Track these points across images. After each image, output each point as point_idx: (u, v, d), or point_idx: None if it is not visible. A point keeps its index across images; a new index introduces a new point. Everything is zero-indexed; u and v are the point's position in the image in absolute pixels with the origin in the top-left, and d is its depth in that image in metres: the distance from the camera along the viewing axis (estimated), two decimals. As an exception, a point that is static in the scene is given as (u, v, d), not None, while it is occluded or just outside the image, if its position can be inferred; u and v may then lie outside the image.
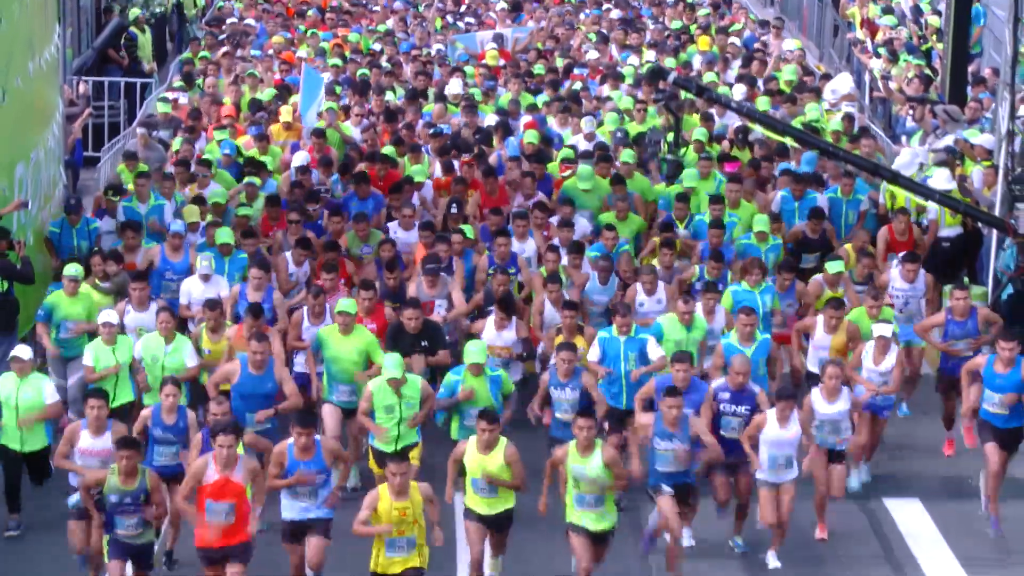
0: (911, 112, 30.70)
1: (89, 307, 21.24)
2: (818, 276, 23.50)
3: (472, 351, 20.03)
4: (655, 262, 24.09)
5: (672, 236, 24.78)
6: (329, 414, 20.91)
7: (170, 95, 31.64)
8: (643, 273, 23.10)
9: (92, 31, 36.22)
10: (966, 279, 23.49)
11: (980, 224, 24.80)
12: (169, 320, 20.14)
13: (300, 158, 27.88)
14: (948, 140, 27.55)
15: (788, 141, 26.86)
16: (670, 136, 29.22)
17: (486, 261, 24.00)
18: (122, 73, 34.38)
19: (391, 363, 19.43)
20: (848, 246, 24.74)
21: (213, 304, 20.66)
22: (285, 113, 30.65)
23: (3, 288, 21.28)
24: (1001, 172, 25.92)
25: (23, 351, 19.12)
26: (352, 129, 30.47)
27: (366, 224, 24.79)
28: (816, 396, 19.72)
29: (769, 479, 19.46)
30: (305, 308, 21.72)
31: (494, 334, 21.87)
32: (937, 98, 30.42)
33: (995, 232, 24.29)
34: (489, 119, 31.17)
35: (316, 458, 17.86)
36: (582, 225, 25.76)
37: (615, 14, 41.86)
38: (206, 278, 22.20)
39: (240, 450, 17.36)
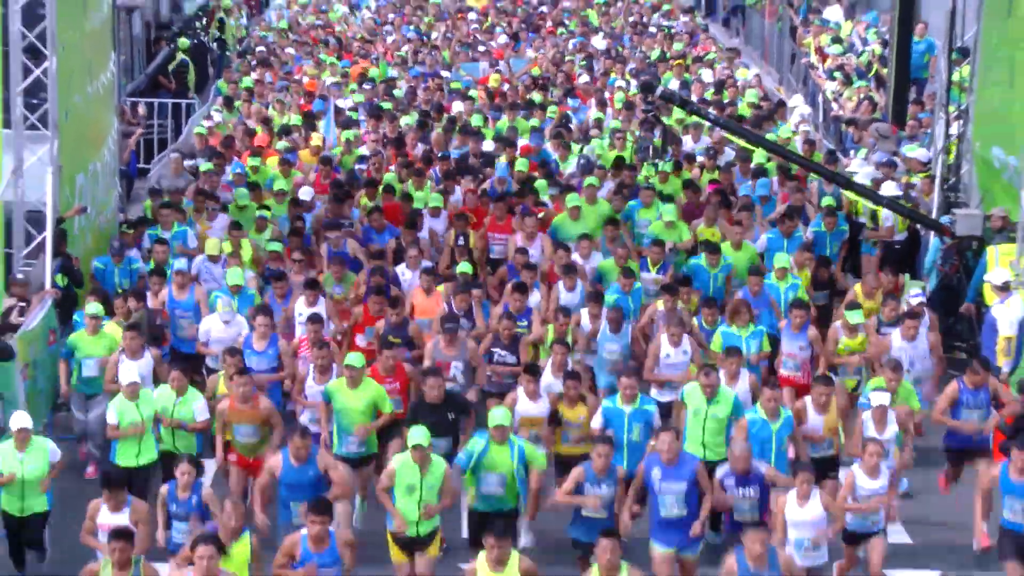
0: (852, 132, 30.67)
1: (110, 345, 18.97)
2: (836, 323, 20.38)
3: (496, 415, 16.73)
4: (659, 305, 20.81)
5: (673, 283, 21.57)
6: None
7: (206, 122, 30.59)
8: (670, 324, 19.69)
9: (143, 59, 36.09)
10: (907, 276, 23.18)
11: (919, 227, 24.50)
12: (180, 377, 17.70)
13: (306, 192, 25.53)
14: (874, 158, 27.49)
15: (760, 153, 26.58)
16: (657, 142, 29.06)
17: (500, 310, 20.81)
18: (170, 96, 34.17)
19: (417, 433, 16.11)
20: (857, 287, 21.87)
21: (233, 351, 18.23)
22: (316, 139, 29.09)
23: (64, 283, 20.93)
24: (938, 181, 25.75)
25: (24, 420, 16.43)
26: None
27: (341, 267, 21.95)
28: (858, 473, 16.60)
29: (798, 562, 16.23)
30: (311, 365, 18.70)
31: (528, 404, 18.11)
32: (881, 117, 30.39)
33: (932, 234, 24.01)
34: (487, 145, 29.13)
35: (330, 550, 15.47)
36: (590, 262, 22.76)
37: (601, 44, 41.53)
38: (227, 319, 19.91)
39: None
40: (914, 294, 21.00)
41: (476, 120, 30.80)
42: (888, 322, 20.14)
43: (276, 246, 22.80)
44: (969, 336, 21.23)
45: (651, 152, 29.49)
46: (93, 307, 19.21)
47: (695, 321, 20.68)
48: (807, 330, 19.99)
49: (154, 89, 34.61)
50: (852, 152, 29.78)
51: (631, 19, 46.24)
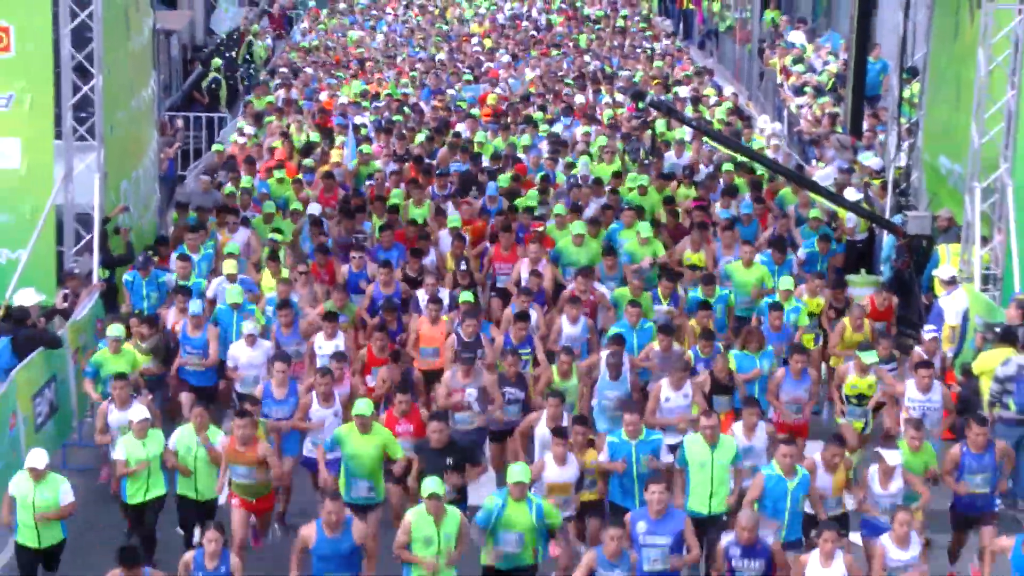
0: (815, 149, 30.73)
1: (132, 363, 17.87)
2: (848, 362, 18.14)
3: (515, 471, 14.71)
4: (655, 345, 18.64)
5: (670, 323, 19.39)
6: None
7: (238, 138, 29.99)
8: (673, 367, 17.41)
9: (180, 77, 36.13)
10: (864, 270, 23.23)
11: (874, 227, 24.54)
12: (203, 414, 16.09)
13: (314, 208, 24.09)
14: (835, 165, 27.49)
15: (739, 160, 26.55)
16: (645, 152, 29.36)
17: (501, 341, 18.86)
18: (203, 110, 34.19)
19: (431, 483, 14.41)
20: (845, 320, 19.69)
21: (255, 400, 16.60)
22: (335, 155, 27.73)
23: (106, 276, 20.91)
24: (890, 186, 25.84)
25: (39, 459, 15.26)
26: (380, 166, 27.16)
27: (344, 295, 20.06)
28: (887, 543, 14.50)
29: None
30: (314, 392, 16.98)
31: (556, 471, 15.60)
32: (840, 130, 30.44)
33: (886, 233, 24.05)
34: (487, 161, 27.89)
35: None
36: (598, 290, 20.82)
37: (592, 65, 41.52)
38: (251, 341, 18.30)
39: None
40: (928, 330, 18.90)
41: (479, 137, 29.75)
42: (883, 359, 18.26)
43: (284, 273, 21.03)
44: (918, 324, 21.17)
45: (641, 153, 29.63)
46: (115, 329, 18.02)
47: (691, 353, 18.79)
48: (808, 374, 17.95)
49: (189, 104, 34.66)
50: (814, 162, 29.77)
51: (616, 42, 46.28)
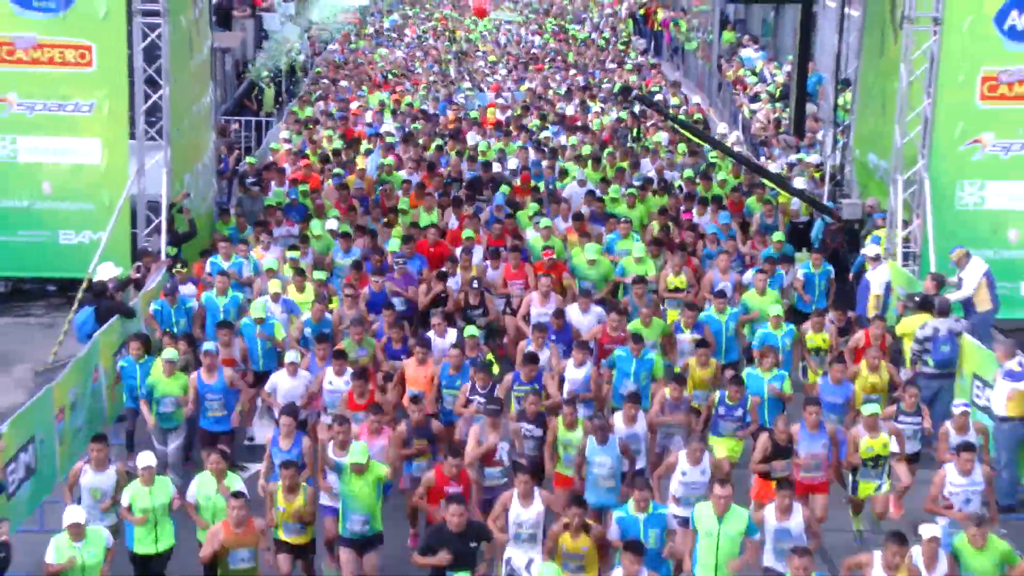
0: (765, 149, 30.70)
1: (184, 384, 15.78)
2: (857, 426, 14.61)
3: (547, 572, 12.26)
4: (667, 392, 15.27)
5: (684, 374, 16.11)
6: (346, 562, 13.55)
7: (284, 143, 28.87)
8: (691, 442, 13.87)
9: (233, 88, 36.08)
10: (805, 249, 23.24)
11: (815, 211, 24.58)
12: (219, 461, 13.37)
13: (332, 224, 21.44)
14: (791, 158, 27.43)
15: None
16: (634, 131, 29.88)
17: (511, 379, 15.84)
18: (252, 115, 34.16)
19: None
20: (862, 364, 16.51)
21: (288, 464, 13.35)
22: (360, 162, 26.03)
23: (174, 252, 20.93)
24: (827, 178, 25.87)
25: (77, 515, 12.65)
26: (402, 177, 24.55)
27: (362, 329, 16.90)
28: None
29: None
30: (330, 443, 14.04)
31: (569, 540, 12.80)
32: (786, 131, 30.46)
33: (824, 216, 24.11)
34: (497, 167, 25.91)
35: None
36: (597, 313, 17.97)
37: (579, 79, 41.44)
38: (293, 370, 15.91)
39: None
40: (958, 404, 15.16)
41: (482, 146, 27.88)
42: (908, 412, 15.32)
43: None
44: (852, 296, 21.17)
45: (628, 138, 29.57)
46: (169, 353, 15.98)
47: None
48: (824, 429, 14.43)
49: (241, 110, 34.61)
50: (763, 159, 29.73)
51: (599, 58, 46.25)
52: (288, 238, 21.30)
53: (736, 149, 30.09)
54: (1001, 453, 15.77)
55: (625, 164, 25.97)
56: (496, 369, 16.97)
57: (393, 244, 20.53)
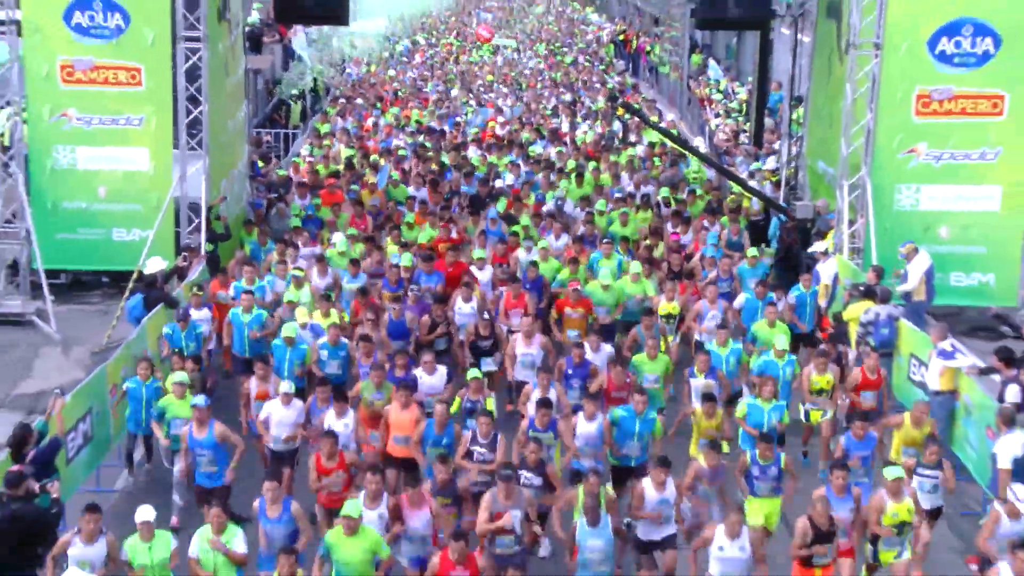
0: (727, 158, 30.70)
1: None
2: (880, 490, 12.42)
3: None
4: (702, 462, 12.98)
5: (718, 439, 13.76)
6: None
7: (305, 157, 27.55)
8: (729, 511, 11.85)
9: (264, 104, 35.99)
10: (764, 246, 23.23)
11: (772, 211, 24.57)
12: (220, 515, 11.72)
13: (340, 242, 19.81)
14: (752, 166, 27.41)
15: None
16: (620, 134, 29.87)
17: (526, 424, 13.73)
18: (281, 127, 34.12)
19: None
20: (905, 416, 14.23)
21: (289, 551, 11.31)
22: (371, 177, 24.86)
23: (211, 249, 20.93)
24: (783, 181, 25.92)
25: (148, 513, 11.80)
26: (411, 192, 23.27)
27: (382, 373, 14.57)
28: None
29: None
30: (363, 492, 12.17)
31: None
32: (747, 142, 30.43)
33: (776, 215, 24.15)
34: (498, 181, 24.63)
35: None
36: (607, 353, 15.67)
37: (566, 96, 41.32)
38: (287, 400, 14.27)
39: None
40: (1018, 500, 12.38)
41: (474, 160, 26.57)
42: (928, 465, 13.31)
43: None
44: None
45: (615, 141, 29.41)
46: (179, 375, 14.76)
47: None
48: (851, 493, 12.33)
49: (271, 123, 34.53)
50: (726, 166, 29.71)
51: (583, 78, 46.14)
52: (312, 257, 19.54)
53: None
54: (934, 423, 15.75)
55: (608, 179, 25.03)
56: (492, 405, 14.39)
57: (405, 259, 19.08)
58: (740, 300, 18.24)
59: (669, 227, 22.09)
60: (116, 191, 21.37)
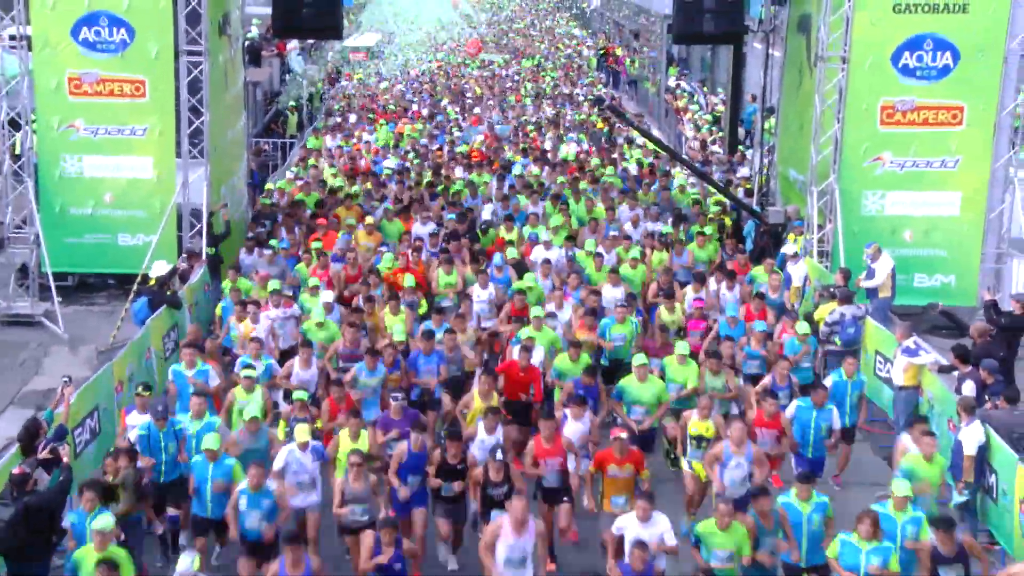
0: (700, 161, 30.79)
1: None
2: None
3: None
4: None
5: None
6: None
7: (289, 177, 25.99)
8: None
9: (262, 114, 36.01)
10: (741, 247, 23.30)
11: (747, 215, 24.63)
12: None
13: (328, 296, 16.76)
14: (721, 174, 27.53)
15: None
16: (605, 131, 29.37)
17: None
18: (278, 136, 34.09)
19: None
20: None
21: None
22: (368, 219, 21.08)
23: (212, 251, 20.91)
24: (756, 188, 25.94)
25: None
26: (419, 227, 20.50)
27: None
28: None
29: None
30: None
31: None
32: (722, 151, 30.51)
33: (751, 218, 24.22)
34: (486, 212, 21.85)
35: None
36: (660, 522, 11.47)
37: (550, 111, 41.23)
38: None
39: None
40: None
41: (454, 187, 23.60)
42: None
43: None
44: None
45: (602, 140, 29.31)
46: (101, 521, 10.93)
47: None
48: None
49: (269, 132, 34.52)
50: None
51: (567, 90, 46.20)
52: (285, 320, 16.73)
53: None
54: (899, 417, 15.79)
55: (601, 213, 21.53)
56: None
57: (397, 333, 15.29)
58: (792, 409, 13.92)
59: (690, 291, 17.69)
60: (121, 198, 21.32)
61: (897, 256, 19.86)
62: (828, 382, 14.68)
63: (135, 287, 19.54)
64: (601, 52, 52.72)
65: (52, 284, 20.35)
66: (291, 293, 17.75)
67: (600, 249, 19.41)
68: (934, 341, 18.59)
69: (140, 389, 13.73)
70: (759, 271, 18.87)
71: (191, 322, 18.52)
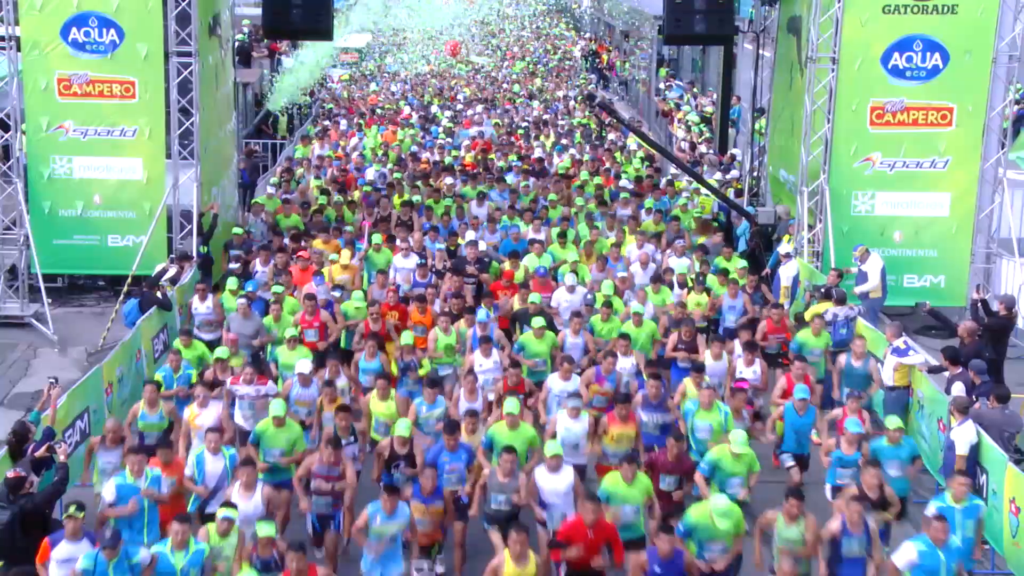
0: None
1: None
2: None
3: None
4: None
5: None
6: None
7: (269, 190, 24.09)
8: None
9: (252, 115, 35.92)
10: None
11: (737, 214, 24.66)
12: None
13: (305, 365, 13.75)
14: (710, 173, 27.55)
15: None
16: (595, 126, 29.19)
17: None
18: (268, 137, 34.06)
19: None
20: None
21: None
22: (344, 257, 18.73)
23: (204, 250, 20.82)
24: (746, 189, 25.98)
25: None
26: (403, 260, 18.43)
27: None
28: None
29: None
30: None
31: None
32: (711, 152, 30.49)
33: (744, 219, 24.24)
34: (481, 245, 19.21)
35: None
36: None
37: (543, 116, 40.85)
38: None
39: None
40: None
41: (438, 210, 21.71)
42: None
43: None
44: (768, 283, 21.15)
45: (593, 136, 29.22)
46: None
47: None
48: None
49: (259, 134, 34.45)
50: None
51: (560, 93, 46.13)
52: (256, 398, 13.82)
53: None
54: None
55: (605, 244, 19.32)
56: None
57: (402, 428, 12.28)
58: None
59: (740, 364, 14.99)
60: (111, 199, 21.27)
61: (887, 256, 19.90)
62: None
63: (124, 289, 19.46)
64: (591, 53, 52.73)
65: (42, 285, 20.28)
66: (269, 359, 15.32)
67: (635, 304, 16.10)
68: (924, 341, 18.62)
69: (72, 510, 10.64)
70: (807, 336, 15.52)
71: (182, 322, 18.48)
